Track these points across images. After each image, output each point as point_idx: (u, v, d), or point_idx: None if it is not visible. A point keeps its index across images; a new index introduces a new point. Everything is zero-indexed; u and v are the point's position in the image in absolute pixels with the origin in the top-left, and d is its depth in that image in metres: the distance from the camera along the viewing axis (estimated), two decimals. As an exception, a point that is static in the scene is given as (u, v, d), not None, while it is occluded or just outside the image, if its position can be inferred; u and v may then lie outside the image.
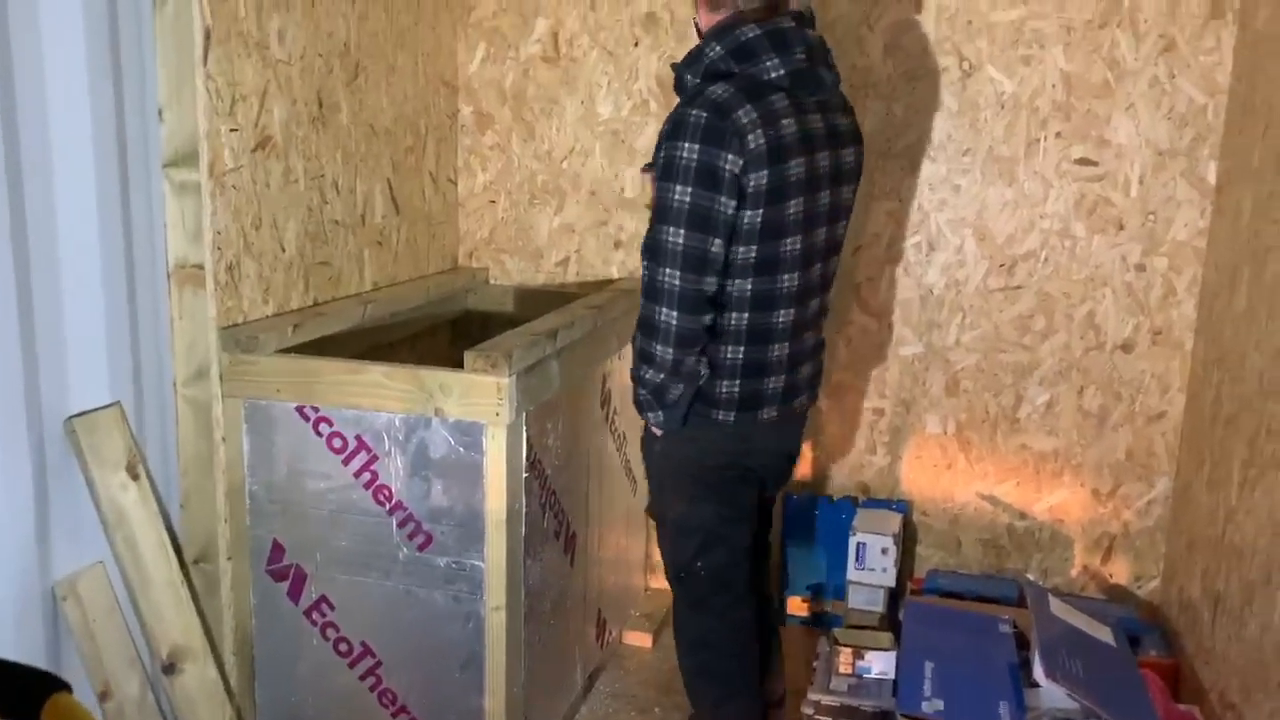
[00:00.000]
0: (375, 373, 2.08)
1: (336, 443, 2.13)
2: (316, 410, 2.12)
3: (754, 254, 1.93)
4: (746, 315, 1.98)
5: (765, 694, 2.33)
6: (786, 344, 2.04)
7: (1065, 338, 2.80)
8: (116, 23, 1.95)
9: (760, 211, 1.89)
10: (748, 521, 2.19)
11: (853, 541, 2.82)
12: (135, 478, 2.00)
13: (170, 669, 2.06)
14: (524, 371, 2.07)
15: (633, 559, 3.06)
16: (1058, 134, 2.70)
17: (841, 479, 3.05)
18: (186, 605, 2.09)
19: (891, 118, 2.81)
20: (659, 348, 1.96)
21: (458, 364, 2.03)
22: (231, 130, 2.13)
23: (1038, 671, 2.08)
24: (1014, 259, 2.79)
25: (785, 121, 1.90)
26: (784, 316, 2.01)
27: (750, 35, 1.92)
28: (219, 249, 2.12)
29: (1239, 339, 2.33)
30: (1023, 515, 2.92)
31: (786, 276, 1.98)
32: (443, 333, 3.05)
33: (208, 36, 2.04)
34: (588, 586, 2.62)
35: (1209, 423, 2.52)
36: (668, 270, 1.91)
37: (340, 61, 2.50)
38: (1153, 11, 2.60)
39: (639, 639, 2.95)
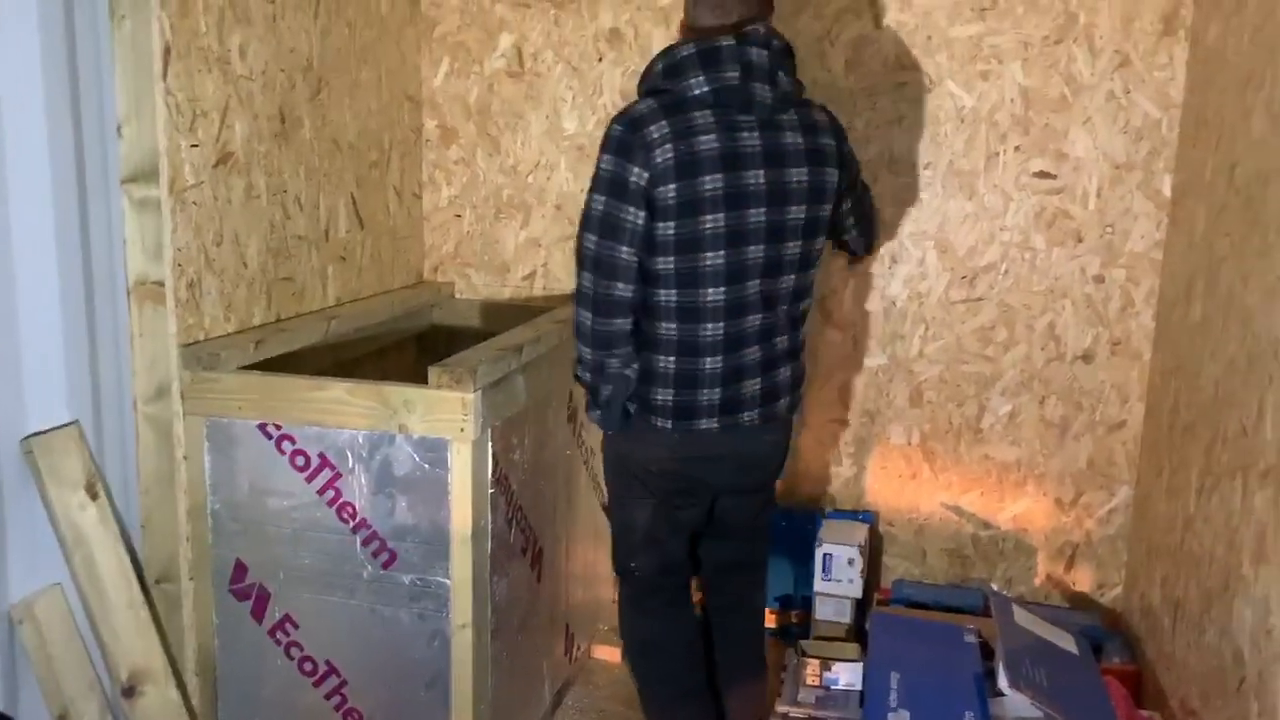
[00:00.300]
0: (338, 389, 2.07)
1: (299, 460, 2.11)
2: (279, 428, 2.11)
3: (673, 266, 1.99)
4: (675, 326, 2.04)
5: (734, 711, 2.34)
6: (720, 357, 2.06)
7: (1026, 349, 2.83)
8: (74, 38, 1.94)
9: (673, 224, 1.95)
10: (685, 531, 2.25)
11: (819, 553, 2.83)
12: (94, 497, 1.98)
13: (130, 692, 2.03)
14: (489, 387, 2.07)
15: (601, 572, 3.05)
16: (1017, 147, 2.74)
17: (808, 490, 3.07)
18: (147, 626, 2.06)
19: (853, 132, 2.83)
20: (582, 348, 2.07)
21: (423, 379, 2.03)
22: (192, 146, 2.12)
23: (1002, 681, 2.10)
24: (975, 271, 2.82)
25: (704, 138, 1.94)
26: (712, 330, 2.04)
27: (683, 54, 1.98)
28: (180, 266, 2.10)
29: (1195, 349, 2.37)
30: (987, 525, 2.94)
31: (710, 290, 2.01)
32: (408, 348, 3.03)
33: (167, 52, 2.03)
34: (555, 601, 2.61)
35: (1167, 432, 2.56)
36: (584, 274, 2.03)
37: (303, 77, 2.49)
38: (1108, 28, 2.65)
39: (608, 653, 2.94)
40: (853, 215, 2.27)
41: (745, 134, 1.97)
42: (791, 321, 2.15)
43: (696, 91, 1.95)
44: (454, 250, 3.17)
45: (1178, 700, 2.32)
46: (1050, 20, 2.68)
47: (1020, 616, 2.39)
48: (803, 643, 2.71)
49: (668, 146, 1.92)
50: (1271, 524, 1.83)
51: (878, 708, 2.15)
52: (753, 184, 1.98)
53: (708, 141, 1.93)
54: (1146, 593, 2.65)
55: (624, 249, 1.98)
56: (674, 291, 2.01)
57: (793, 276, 2.09)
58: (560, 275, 3.10)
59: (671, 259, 1.98)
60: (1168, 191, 2.68)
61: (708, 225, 1.96)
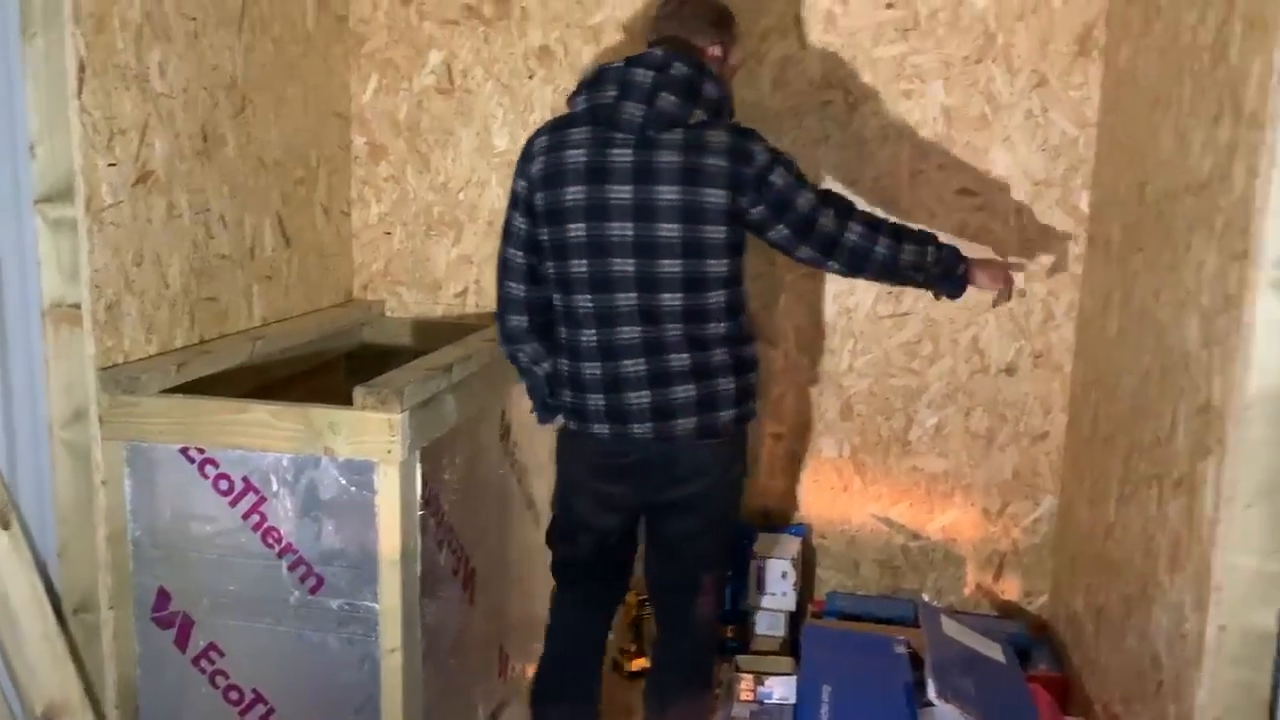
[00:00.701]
0: (262, 412, 2.03)
1: (223, 485, 2.07)
2: (202, 451, 2.07)
3: (553, 271, 2.15)
4: (564, 330, 2.17)
5: None
6: (598, 365, 2.12)
7: (951, 362, 2.88)
8: (-17, 56, 1.89)
9: (545, 230, 2.12)
10: (583, 534, 2.29)
11: (753, 567, 2.85)
12: (6, 526, 1.92)
13: (47, 726, 1.97)
14: (417, 407, 2.05)
15: (536, 590, 3.03)
16: (939, 166, 2.80)
17: (744, 504, 3.08)
18: (63, 658, 2.01)
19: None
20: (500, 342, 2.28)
21: (352, 400, 2.00)
22: (110, 165, 2.07)
23: (931, 691, 2.13)
24: (901, 287, 2.86)
25: (572, 152, 2.07)
26: (588, 337, 2.13)
27: (587, 74, 2.13)
28: (98, 287, 2.05)
29: (1113, 361, 2.44)
30: (916, 535, 2.99)
31: (580, 298, 2.12)
32: (338, 368, 2.99)
33: (82, 69, 1.99)
34: (489, 622, 2.59)
35: (1088, 442, 2.62)
36: (496, 273, 2.25)
37: (226, 94, 2.46)
38: (1025, 49, 2.72)
39: (543, 672, 2.92)
40: (801, 242, 2.11)
41: (617, 150, 2.05)
42: (694, 341, 2.10)
43: (578, 109, 2.11)
44: (384, 268, 3.14)
45: (1101, 705, 2.37)
46: (970, 40, 2.74)
47: (948, 627, 2.42)
48: (738, 658, 2.73)
49: (543, 159, 2.11)
50: (1185, 532, 1.89)
51: (809, 721, 2.17)
52: (615, 198, 2.04)
53: (575, 155, 2.07)
54: (1071, 600, 2.71)
55: (511, 250, 2.20)
56: (559, 296, 2.16)
57: (680, 295, 2.07)
58: (492, 293, 3.07)
59: (551, 264, 2.14)
60: (1085, 208, 2.75)
61: (571, 233, 2.09)
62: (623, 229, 2.04)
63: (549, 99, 2.96)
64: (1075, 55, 2.70)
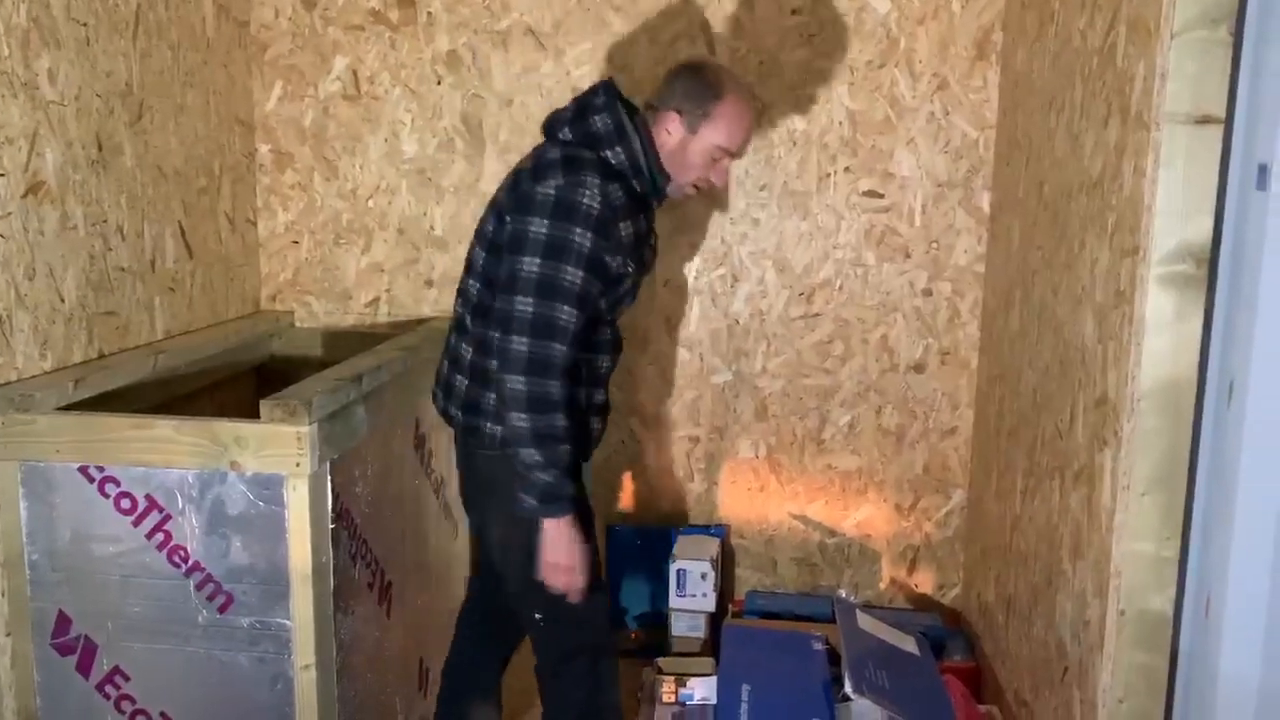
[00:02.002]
0: (164, 427, 1.97)
1: (125, 503, 2.01)
2: (102, 470, 2.00)
3: (580, 327, 2.04)
4: (569, 385, 2.06)
5: None
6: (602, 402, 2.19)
7: (862, 361, 2.94)
8: None
9: (610, 289, 2.03)
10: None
11: (672, 569, 2.86)
12: (-108, 555, 1.84)
13: (-60, 762, 1.89)
14: (327, 419, 2.01)
15: (457, 603, 3.00)
16: (846, 169, 2.85)
17: (662, 508, 3.10)
18: (-43, 690, 1.92)
19: (692, 154, 2.89)
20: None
21: (260, 413, 1.96)
22: (-3, 176, 2.00)
23: (848, 687, 2.16)
24: (812, 288, 2.91)
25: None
26: (601, 390, 2.18)
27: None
28: (-15, 303, 1.98)
29: (1015, 357, 2.50)
30: (832, 532, 3.03)
31: (603, 356, 2.14)
32: (246, 381, 2.93)
33: (-35, 77, 1.91)
34: (407, 635, 2.56)
35: (994, 436, 2.69)
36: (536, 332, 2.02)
37: (122, 101, 2.38)
38: (926, 53, 2.78)
39: (464, 683, 2.89)
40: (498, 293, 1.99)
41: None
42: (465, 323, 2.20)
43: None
44: (292, 277, 3.08)
45: (1012, 693, 2.43)
46: (873, 45, 2.79)
47: (863, 622, 2.46)
48: (659, 660, 2.73)
49: (629, 223, 2.03)
50: (1085, 521, 1.95)
51: (730, 721, 2.19)
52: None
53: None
54: (982, 591, 2.78)
55: (577, 312, 1.93)
56: (583, 353, 2.07)
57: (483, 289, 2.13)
58: (405, 301, 3.05)
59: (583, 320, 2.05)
60: (986, 208, 2.82)
61: (626, 287, 2.08)
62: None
63: (458, 104, 2.94)
64: (974, 59, 2.77)
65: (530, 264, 1.89)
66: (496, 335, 1.92)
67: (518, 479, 1.96)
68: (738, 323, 2.96)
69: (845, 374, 2.95)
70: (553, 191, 1.91)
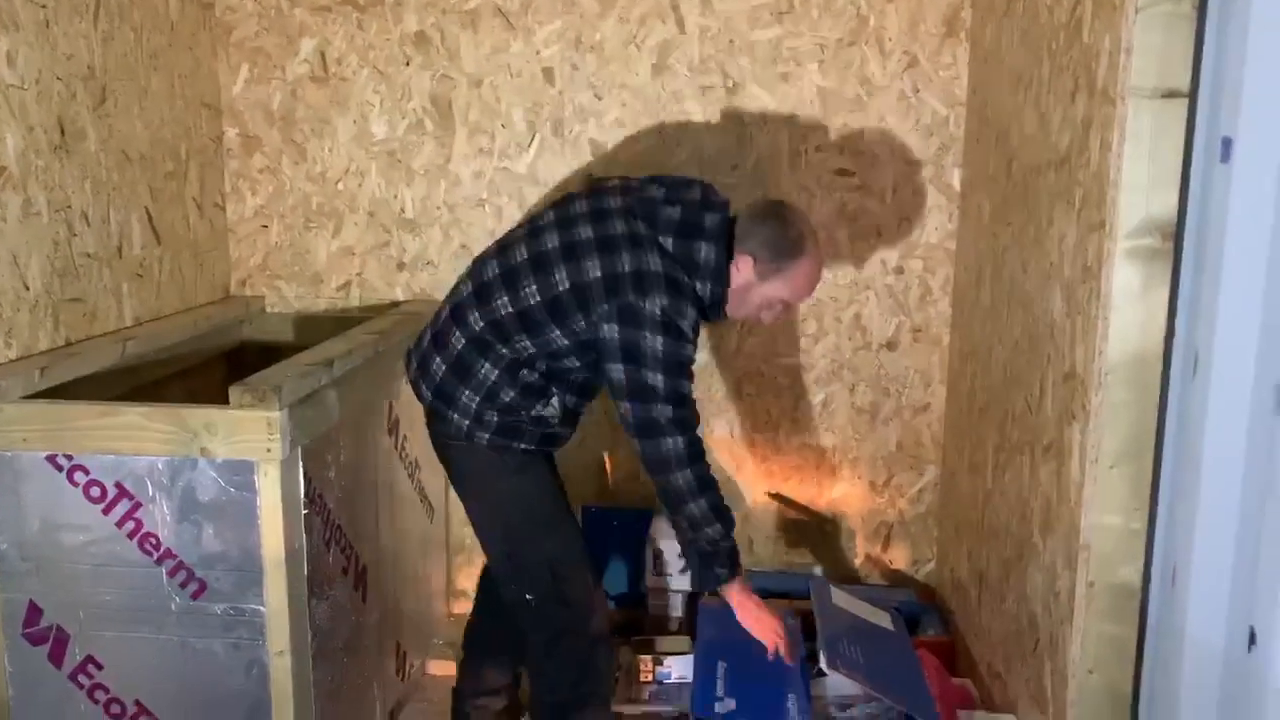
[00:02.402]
0: (133, 414, 1.96)
1: (94, 491, 1.99)
2: (70, 458, 1.98)
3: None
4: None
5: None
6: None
7: (835, 340, 2.94)
8: None
9: None
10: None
11: (650, 550, 2.87)
12: None
13: (-90, 754, 1.87)
14: (297, 404, 2.00)
15: (434, 587, 3.01)
16: (817, 147, 2.84)
17: (639, 489, 3.09)
18: (-73, 682, 1.91)
19: (662, 134, 2.88)
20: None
21: (229, 399, 1.95)
22: (-44, 162, 1.97)
23: (822, 662, 2.17)
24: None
25: None
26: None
27: None
28: (-53, 291, 1.95)
29: (986, 333, 2.52)
30: (808, 509, 3.04)
31: None
32: (217, 367, 2.90)
33: (-80, 61, 1.88)
34: (384, 620, 2.55)
35: (966, 412, 2.71)
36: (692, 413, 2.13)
37: (84, 85, 2.35)
38: (896, 31, 2.78)
39: (443, 668, 2.89)
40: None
41: None
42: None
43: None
44: (263, 262, 3.05)
45: (985, 665, 2.46)
46: (843, 23, 2.79)
47: (838, 598, 2.48)
48: (637, 639, 2.74)
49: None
50: (1055, 495, 1.96)
51: (705, 697, 2.20)
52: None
53: None
54: (956, 567, 2.80)
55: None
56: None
57: None
58: (376, 284, 3.03)
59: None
60: (957, 185, 2.83)
61: None
62: None
63: (426, 86, 2.91)
64: (944, 36, 2.77)
65: (656, 377, 2.00)
66: (642, 440, 2.04)
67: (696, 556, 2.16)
68: (711, 303, 2.96)
69: (818, 353, 2.96)
70: (659, 313, 1.98)
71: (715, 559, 2.13)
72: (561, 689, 2.20)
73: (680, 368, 2.02)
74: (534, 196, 2.93)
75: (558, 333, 2.05)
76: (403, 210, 2.98)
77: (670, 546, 2.86)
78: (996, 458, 2.39)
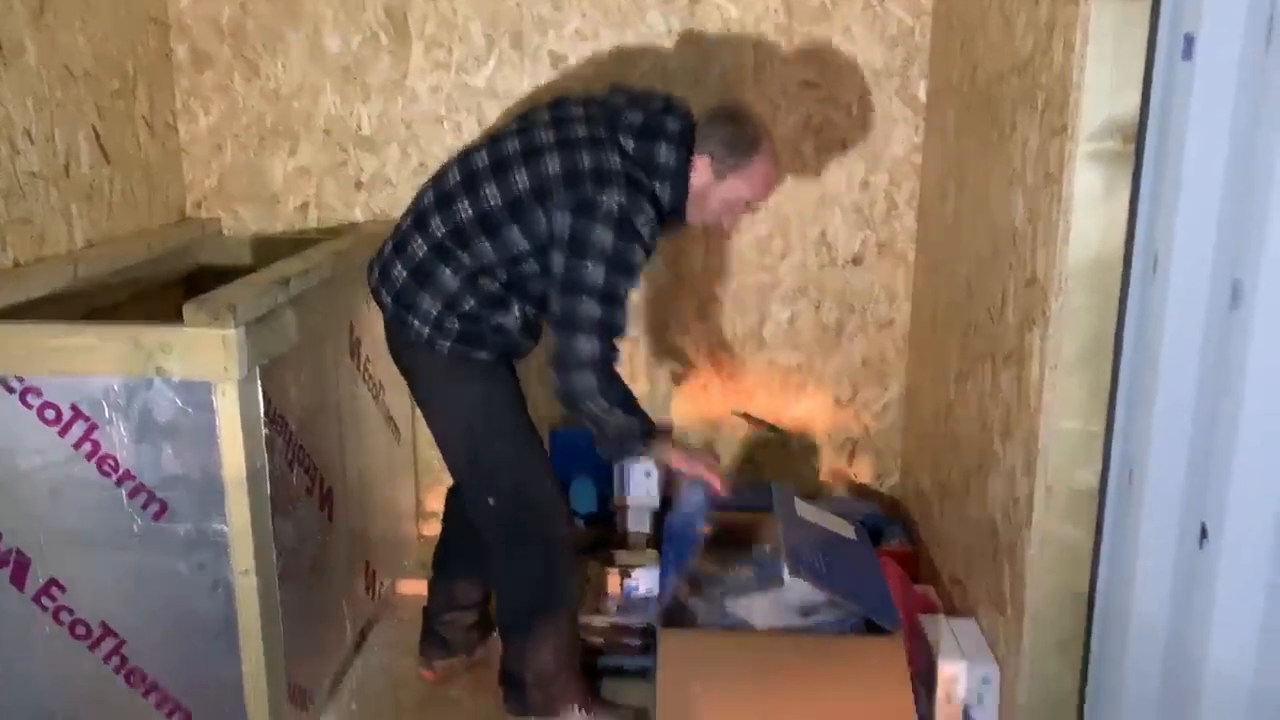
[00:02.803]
0: (86, 335, 1.92)
1: (49, 414, 1.96)
2: (22, 380, 1.94)
3: None
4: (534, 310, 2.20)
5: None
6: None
7: (801, 256, 2.93)
8: None
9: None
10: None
11: (616, 468, 2.88)
12: None
13: (-127, 678, 1.86)
14: (254, 323, 1.97)
15: (403, 508, 3.01)
16: (782, 60, 2.80)
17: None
18: (-114, 607, 1.89)
19: (626, 47, 2.82)
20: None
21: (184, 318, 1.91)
22: (-113, 75, 1.89)
23: (784, 570, 2.20)
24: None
25: None
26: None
27: None
28: (-115, 210, 1.89)
29: (950, 246, 2.51)
30: (774, 427, 3.06)
31: None
32: (174, 291, 2.84)
33: None
34: (352, 540, 2.56)
35: (930, 326, 2.72)
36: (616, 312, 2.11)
37: (20, -5, 2.26)
38: (861, -63, 2.72)
39: (413, 587, 2.90)
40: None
41: None
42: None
43: None
44: (218, 184, 2.98)
45: (947, 574, 2.50)
46: (808, -70, 2.73)
47: (802, 510, 2.50)
48: (605, 554, 2.77)
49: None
50: (1015, 402, 1.98)
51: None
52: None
53: None
54: (919, 478, 2.83)
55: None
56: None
57: None
58: (334, 205, 2.97)
59: None
60: (923, 96, 2.80)
61: None
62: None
63: (381, -3, 2.83)
64: (909, -57, 2.72)
65: (596, 271, 1.99)
66: (558, 332, 2.05)
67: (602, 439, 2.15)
68: (676, 220, 2.93)
69: (784, 270, 2.95)
70: (616, 209, 1.98)
71: (627, 440, 2.15)
72: (525, 595, 2.22)
73: (625, 268, 2.00)
74: (494, 112, 2.87)
75: (518, 234, 2.04)
76: (359, 128, 2.92)
77: (637, 465, 2.87)
78: (959, 368, 2.41)
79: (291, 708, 2.19)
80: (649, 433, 2.17)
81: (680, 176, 2.06)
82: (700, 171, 2.09)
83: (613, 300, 2.01)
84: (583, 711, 2.25)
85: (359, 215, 2.97)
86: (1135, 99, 1.66)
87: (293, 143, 2.94)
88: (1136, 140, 1.67)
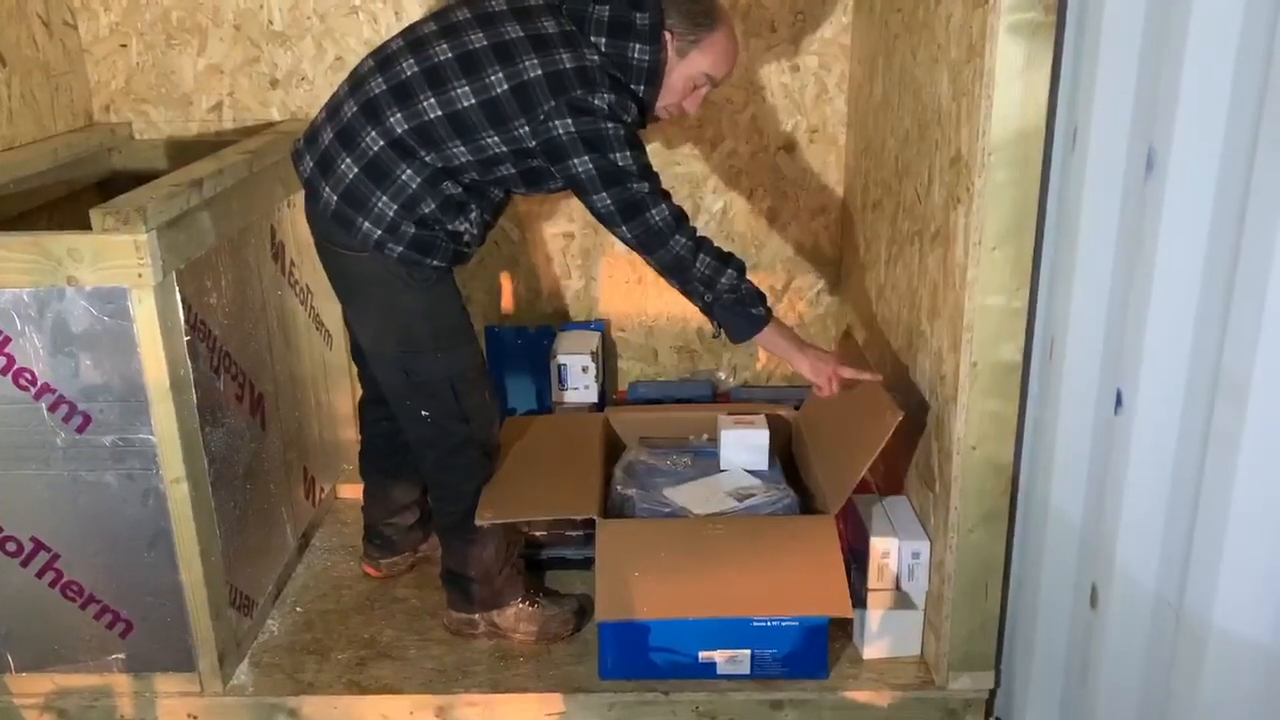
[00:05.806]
0: (-11, 245, 1.85)
1: (-42, 329, 1.90)
2: (-75, 295, 1.88)
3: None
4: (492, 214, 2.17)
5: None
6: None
7: (733, 144, 2.89)
8: None
9: None
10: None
11: (553, 365, 2.87)
12: None
13: None
14: (166, 226, 1.90)
15: (339, 413, 2.98)
16: (706, -62, 2.71)
17: (542, 307, 3.08)
18: None
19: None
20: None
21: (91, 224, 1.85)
22: None
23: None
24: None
25: None
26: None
27: None
28: None
29: (879, 127, 2.49)
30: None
31: None
32: (87, 199, 2.71)
33: None
34: (288, 446, 2.54)
35: (861, 210, 2.71)
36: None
37: (-111, -116, 2.11)
38: None
39: (353, 491, 2.90)
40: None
41: None
42: None
43: None
44: (125, 85, 2.86)
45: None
46: None
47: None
48: (544, 452, 2.77)
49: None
50: (941, 280, 1.99)
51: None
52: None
53: None
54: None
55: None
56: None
57: None
58: (250, 104, 2.87)
59: None
60: (851, -25, 2.74)
61: None
62: None
63: (286, -118, 2.68)
64: None
65: (624, 157, 1.95)
66: (626, 223, 2.00)
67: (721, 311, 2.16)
68: (604, 110, 2.87)
69: (716, 159, 2.91)
70: (607, 108, 1.93)
71: (744, 302, 2.14)
72: (462, 501, 2.22)
73: (642, 146, 1.99)
74: (414, 3, 2.76)
75: (496, 138, 1.96)
76: (270, 21, 2.79)
77: (574, 361, 2.86)
78: (889, 251, 2.41)
79: (234, 613, 2.20)
80: (765, 301, 2.18)
81: (654, 74, 2.00)
82: (661, 50, 2.02)
83: (650, 172, 2.00)
84: (526, 603, 2.28)
85: (276, 115, 2.87)
86: (1056, -34, 1.63)
87: (201, 39, 2.81)
88: (1058, 10, 1.66)
